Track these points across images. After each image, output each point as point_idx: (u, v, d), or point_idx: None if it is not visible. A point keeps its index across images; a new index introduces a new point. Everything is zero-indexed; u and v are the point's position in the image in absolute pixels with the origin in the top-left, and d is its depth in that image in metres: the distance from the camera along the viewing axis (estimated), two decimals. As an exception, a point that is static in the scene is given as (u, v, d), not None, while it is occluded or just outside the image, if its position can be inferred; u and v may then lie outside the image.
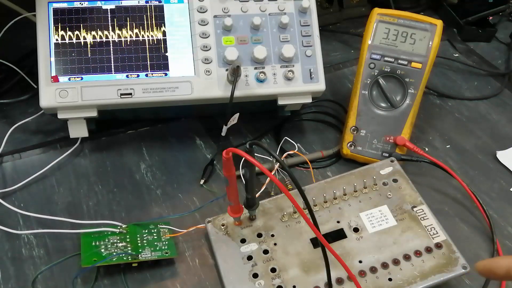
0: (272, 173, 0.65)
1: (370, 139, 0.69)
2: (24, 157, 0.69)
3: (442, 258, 0.55)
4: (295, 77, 0.65)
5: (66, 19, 0.64)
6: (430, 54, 0.69)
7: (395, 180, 0.62)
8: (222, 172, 0.51)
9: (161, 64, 0.64)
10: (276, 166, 0.66)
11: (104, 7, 0.65)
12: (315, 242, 0.56)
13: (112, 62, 0.63)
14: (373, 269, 0.54)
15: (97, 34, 0.64)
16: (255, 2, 0.67)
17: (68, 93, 0.61)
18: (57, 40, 0.63)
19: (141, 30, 0.65)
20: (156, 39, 0.65)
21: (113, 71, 0.63)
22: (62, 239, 0.59)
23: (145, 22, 0.65)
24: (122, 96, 0.62)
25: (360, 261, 0.54)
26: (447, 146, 0.74)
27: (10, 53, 0.75)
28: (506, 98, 0.83)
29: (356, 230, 0.57)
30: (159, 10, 0.66)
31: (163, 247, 0.57)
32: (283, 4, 0.67)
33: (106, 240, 0.57)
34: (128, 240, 0.57)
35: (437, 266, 0.54)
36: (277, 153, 0.70)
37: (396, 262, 0.54)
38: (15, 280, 0.56)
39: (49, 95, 0.61)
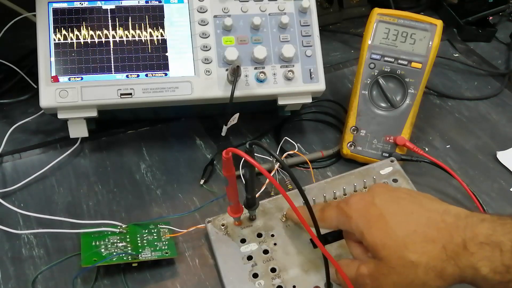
0: (272, 173, 0.65)
1: (370, 139, 0.69)
2: (24, 157, 0.69)
3: (442, 258, 0.55)
4: (295, 77, 0.65)
5: (66, 19, 0.64)
6: (430, 54, 0.69)
7: (395, 180, 0.62)
8: (222, 172, 0.51)
9: (161, 64, 0.64)
10: (276, 166, 0.66)
11: (104, 7, 0.65)
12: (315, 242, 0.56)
13: (112, 62, 0.63)
14: (373, 269, 0.54)
15: (97, 34, 0.64)
16: (255, 2, 0.67)
17: (68, 93, 0.61)
18: (57, 40, 0.63)
19: (141, 30, 0.65)
20: (156, 39, 0.65)
21: (113, 71, 0.63)
22: (62, 239, 0.59)
23: (145, 22, 0.65)
24: (122, 96, 0.62)
25: (360, 261, 0.54)
26: (447, 146, 0.74)
27: (10, 53, 0.75)
28: (506, 98, 0.83)
29: (356, 230, 0.57)
30: (159, 10, 0.66)
31: (163, 247, 0.57)
32: (283, 4, 0.67)
33: (106, 240, 0.57)
34: (128, 240, 0.57)
35: (437, 266, 0.54)
36: (277, 153, 0.70)
37: (396, 262, 0.54)
38: (15, 280, 0.56)
39: (49, 95, 0.61)
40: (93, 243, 0.56)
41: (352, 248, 0.50)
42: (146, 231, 0.59)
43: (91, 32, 0.64)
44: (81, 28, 0.64)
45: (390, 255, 0.43)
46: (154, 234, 0.59)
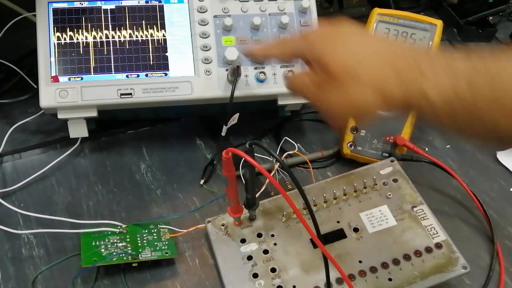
0: (272, 173, 0.65)
1: (370, 139, 0.69)
2: (24, 157, 0.69)
3: (442, 258, 0.55)
4: (295, 77, 0.65)
5: (66, 19, 0.64)
6: (430, 54, 0.69)
7: (395, 180, 0.62)
8: (222, 172, 0.51)
9: (161, 64, 0.64)
10: (276, 166, 0.66)
11: (104, 7, 0.65)
12: (315, 242, 0.56)
13: (112, 62, 0.63)
14: (373, 269, 0.54)
15: (97, 34, 0.64)
16: (255, 2, 0.67)
17: (68, 93, 0.61)
18: (57, 40, 0.63)
19: (141, 30, 0.65)
20: (156, 39, 0.65)
21: (113, 71, 0.63)
22: (62, 239, 0.59)
23: (145, 22, 0.65)
24: (122, 96, 0.62)
25: (360, 261, 0.55)
26: (447, 146, 0.74)
27: (10, 53, 0.75)
28: (506, 98, 0.83)
29: (356, 230, 0.57)
30: (159, 10, 0.66)
31: (163, 247, 0.57)
32: (283, 4, 0.67)
33: (106, 240, 0.57)
34: (128, 240, 0.57)
35: (437, 266, 0.54)
36: (277, 153, 0.70)
37: (396, 262, 0.54)
38: (15, 280, 0.56)
39: (49, 95, 0.61)
40: (93, 243, 0.56)
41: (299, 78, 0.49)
42: (146, 231, 0.59)
43: (91, 32, 0.64)
44: (81, 28, 0.64)
45: (339, 69, 0.43)
46: (154, 234, 0.59)
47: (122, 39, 0.64)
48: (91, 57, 0.63)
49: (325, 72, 0.44)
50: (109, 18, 0.64)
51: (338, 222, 0.58)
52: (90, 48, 0.63)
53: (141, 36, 0.65)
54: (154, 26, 0.65)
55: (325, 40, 0.45)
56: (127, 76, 0.63)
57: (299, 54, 0.48)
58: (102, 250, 0.55)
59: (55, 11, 0.64)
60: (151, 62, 0.64)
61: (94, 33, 0.64)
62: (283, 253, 0.55)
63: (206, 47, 0.65)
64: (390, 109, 0.41)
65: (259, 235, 0.57)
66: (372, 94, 0.41)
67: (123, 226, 0.59)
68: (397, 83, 0.40)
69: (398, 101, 0.40)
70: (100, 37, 0.64)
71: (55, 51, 0.63)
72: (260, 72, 0.64)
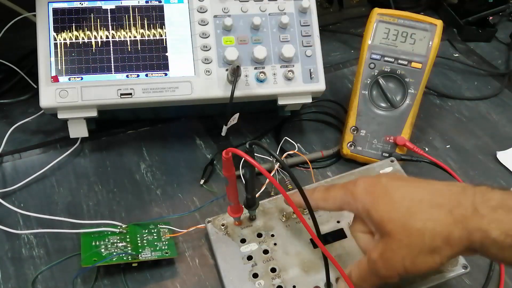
0: (272, 173, 0.65)
1: (370, 139, 0.69)
2: (24, 157, 0.69)
3: (442, 258, 0.55)
4: (295, 77, 0.65)
5: (66, 19, 0.64)
6: (430, 54, 0.69)
7: (395, 180, 0.61)
8: (222, 172, 0.51)
9: (161, 64, 0.64)
10: (276, 166, 0.66)
11: (104, 7, 0.65)
12: (315, 242, 0.56)
13: (112, 62, 0.63)
14: (373, 269, 0.54)
15: (97, 34, 0.64)
16: (255, 2, 0.67)
17: (68, 93, 0.61)
18: (57, 40, 0.63)
19: (141, 30, 0.65)
20: (156, 39, 0.65)
21: (113, 71, 0.63)
22: (62, 239, 0.59)
23: (145, 22, 0.65)
24: (122, 96, 0.62)
25: (360, 261, 0.54)
26: (447, 146, 0.74)
27: (10, 53, 0.75)
28: (506, 98, 0.83)
29: (356, 230, 0.57)
30: (159, 10, 0.66)
31: (163, 247, 0.57)
32: (283, 4, 0.67)
33: (106, 240, 0.57)
34: (128, 240, 0.57)
35: (437, 266, 0.54)
36: (277, 153, 0.70)
37: (396, 262, 0.54)
38: (15, 280, 0.56)
39: (49, 95, 0.61)
40: (93, 243, 0.56)
41: (359, 240, 0.48)
42: (146, 231, 0.59)
43: (91, 32, 0.64)
44: (81, 28, 0.64)
45: (396, 228, 0.42)
46: (154, 234, 0.59)
47: (122, 39, 0.64)
48: (91, 57, 0.63)
49: (376, 229, 0.44)
50: (109, 18, 0.64)
51: (338, 222, 0.58)
52: (90, 48, 0.63)
53: (141, 36, 0.65)
54: (154, 26, 0.65)
55: (368, 196, 0.45)
56: (127, 76, 0.63)
57: (346, 208, 0.48)
58: (102, 250, 0.55)
59: (55, 11, 0.64)
60: (151, 62, 0.64)
61: (94, 33, 0.64)
62: (283, 253, 0.55)
63: (206, 47, 0.65)
64: (455, 251, 0.41)
65: (259, 235, 0.57)
66: (431, 240, 0.41)
67: (123, 226, 0.59)
68: (454, 224, 0.40)
69: (458, 241, 0.40)
70: (100, 37, 0.64)
71: (55, 51, 0.63)
72: (260, 72, 0.64)
